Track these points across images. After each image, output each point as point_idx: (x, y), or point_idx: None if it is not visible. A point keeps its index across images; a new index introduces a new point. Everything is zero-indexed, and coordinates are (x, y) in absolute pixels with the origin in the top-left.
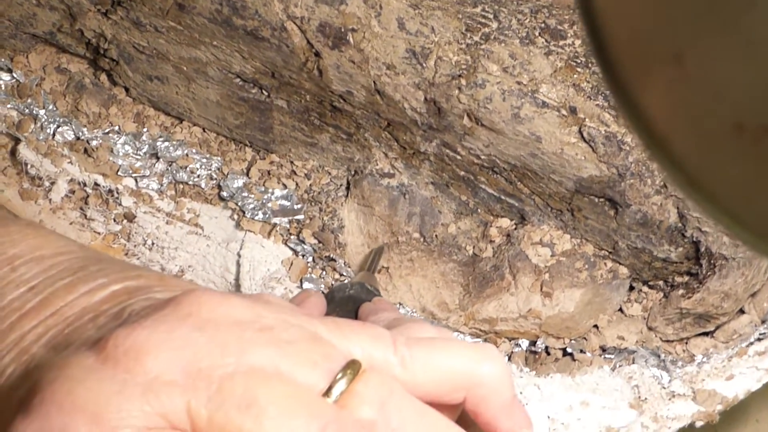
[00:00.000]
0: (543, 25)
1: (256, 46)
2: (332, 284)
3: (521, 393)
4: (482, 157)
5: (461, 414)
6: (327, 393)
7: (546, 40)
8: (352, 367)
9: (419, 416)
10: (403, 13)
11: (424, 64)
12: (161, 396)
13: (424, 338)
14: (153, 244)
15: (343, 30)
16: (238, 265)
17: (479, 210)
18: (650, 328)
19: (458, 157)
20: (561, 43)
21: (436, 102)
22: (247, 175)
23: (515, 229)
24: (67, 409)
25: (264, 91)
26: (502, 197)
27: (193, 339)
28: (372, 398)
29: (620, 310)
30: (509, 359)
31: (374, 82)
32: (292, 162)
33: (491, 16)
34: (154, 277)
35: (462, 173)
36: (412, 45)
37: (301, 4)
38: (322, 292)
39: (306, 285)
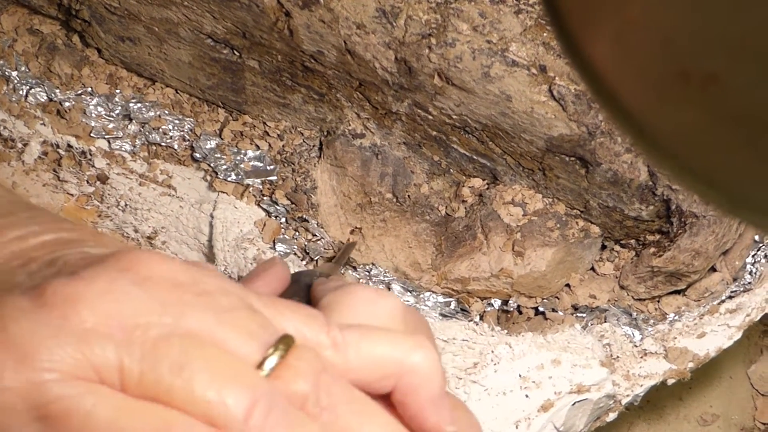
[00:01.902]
0: None
1: (226, 6)
2: (305, 245)
3: (493, 352)
4: (453, 116)
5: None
6: (260, 365)
7: None
8: (285, 342)
9: (350, 397)
10: None
11: (394, 24)
12: (95, 347)
13: (359, 325)
14: (126, 205)
15: None
16: (211, 226)
17: (451, 170)
18: (622, 287)
19: (430, 117)
20: (531, 1)
21: (407, 61)
22: (220, 136)
23: (487, 188)
24: None
25: (235, 52)
26: (474, 157)
27: (133, 294)
28: (306, 372)
29: (592, 268)
30: (482, 318)
31: (345, 41)
32: (264, 123)
33: None
34: (89, 232)
35: (434, 133)
36: (382, 4)
37: None
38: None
39: (279, 246)
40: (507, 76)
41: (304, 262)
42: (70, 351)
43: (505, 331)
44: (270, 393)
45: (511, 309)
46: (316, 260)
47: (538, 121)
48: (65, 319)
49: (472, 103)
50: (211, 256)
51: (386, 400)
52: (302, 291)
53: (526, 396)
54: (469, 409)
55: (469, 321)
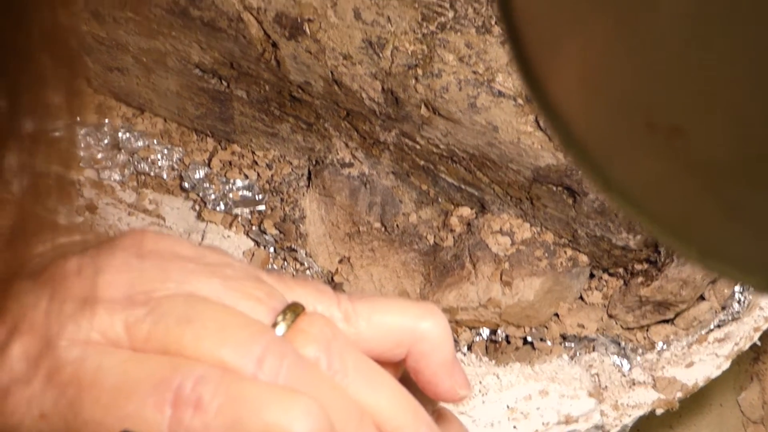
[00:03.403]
0: None
1: (213, 37)
2: (293, 274)
3: (480, 382)
4: (441, 146)
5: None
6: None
7: (502, 29)
8: (295, 309)
9: (362, 363)
10: (359, 2)
11: (381, 54)
12: (99, 313)
13: (367, 295)
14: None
15: (299, 20)
16: None
17: (440, 199)
18: (611, 316)
19: (417, 147)
20: None
21: (394, 92)
22: (209, 165)
23: (475, 218)
24: (3, 324)
25: (223, 82)
26: (462, 186)
27: (135, 265)
28: (317, 337)
29: (581, 297)
30: (470, 349)
31: (331, 72)
32: (253, 152)
33: (447, 5)
34: (103, 235)
35: (422, 162)
36: (369, 35)
37: None
38: None
39: None
40: (493, 107)
41: None
42: (75, 319)
43: (493, 361)
44: (282, 345)
45: (500, 339)
46: None
47: (525, 151)
48: (67, 292)
49: (459, 133)
50: None
51: (396, 367)
52: None
53: (514, 427)
54: (461, 424)
55: (457, 351)
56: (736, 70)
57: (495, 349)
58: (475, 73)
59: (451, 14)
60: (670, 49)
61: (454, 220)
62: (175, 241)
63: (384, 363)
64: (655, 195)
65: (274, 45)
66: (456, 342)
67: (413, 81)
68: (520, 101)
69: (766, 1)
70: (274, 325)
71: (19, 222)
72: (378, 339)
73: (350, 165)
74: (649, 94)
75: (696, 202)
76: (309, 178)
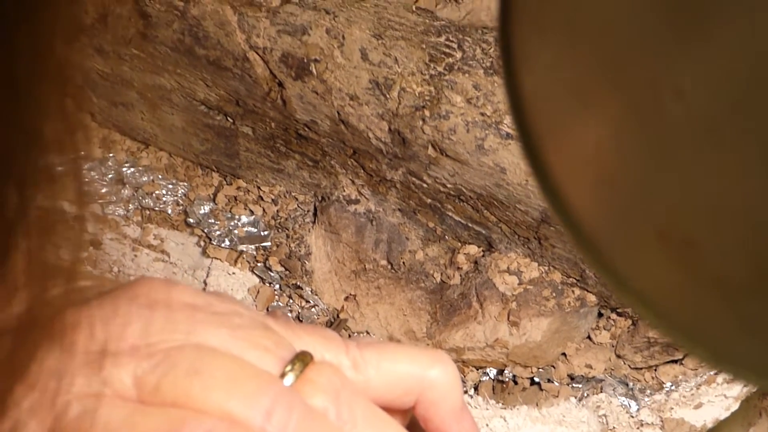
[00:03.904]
0: None
1: (219, 75)
2: (299, 312)
3: (487, 425)
4: (448, 185)
5: (410, 425)
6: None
7: None
8: (303, 358)
9: (370, 413)
10: (366, 43)
11: (388, 95)
12: (106, 365)
13: (375, 342)
14: (119, 271)
15: (305, 60)
16: None
17: (447, 237)
18: (619, 356)
19: (424, 186)
20: None
21: (401, 132)
22: (214, 201)
23: (483, 256)
24: (8, 377)
25: (229, 119)
26: (470, 225)
27: (142, 315)
28: (326, 387)
29: (588, 337)
30: (476, 390)
31: (338, 112)
32: (259, 187)
33: (455, 46)
34: (108, 280)
35: (429, 201)
36: (376, 76)
37: (264, 35)
38: None
39: None
40: (501, 149)
41: None
42: (82, 372)
43: (500, 403)
44: (291, 397)
45: (507, 379)
46: None
47: (533, 193)
48: (73, 344)
49: (467, 174)
50: None
51: (404, 414)
52: None
53: None
54: None
55: (464, 393)
56: (749, 182)
57: (502, 389)
58: (482, 114)
59: (458, 55)
60: (679, 153)
61: (461, 258)
62: (183, 290)
63: (392, 410)
64: (666, 299)
65: (281, 84)
66: (463, 382)
67: (420, 122)
68: None
69: None
70: (283, 375)
71: (30, 267)
72: (387, 387)
73: (356, 202)
74: (660, 199)
75: (709, 311)
76: (315, 215)
